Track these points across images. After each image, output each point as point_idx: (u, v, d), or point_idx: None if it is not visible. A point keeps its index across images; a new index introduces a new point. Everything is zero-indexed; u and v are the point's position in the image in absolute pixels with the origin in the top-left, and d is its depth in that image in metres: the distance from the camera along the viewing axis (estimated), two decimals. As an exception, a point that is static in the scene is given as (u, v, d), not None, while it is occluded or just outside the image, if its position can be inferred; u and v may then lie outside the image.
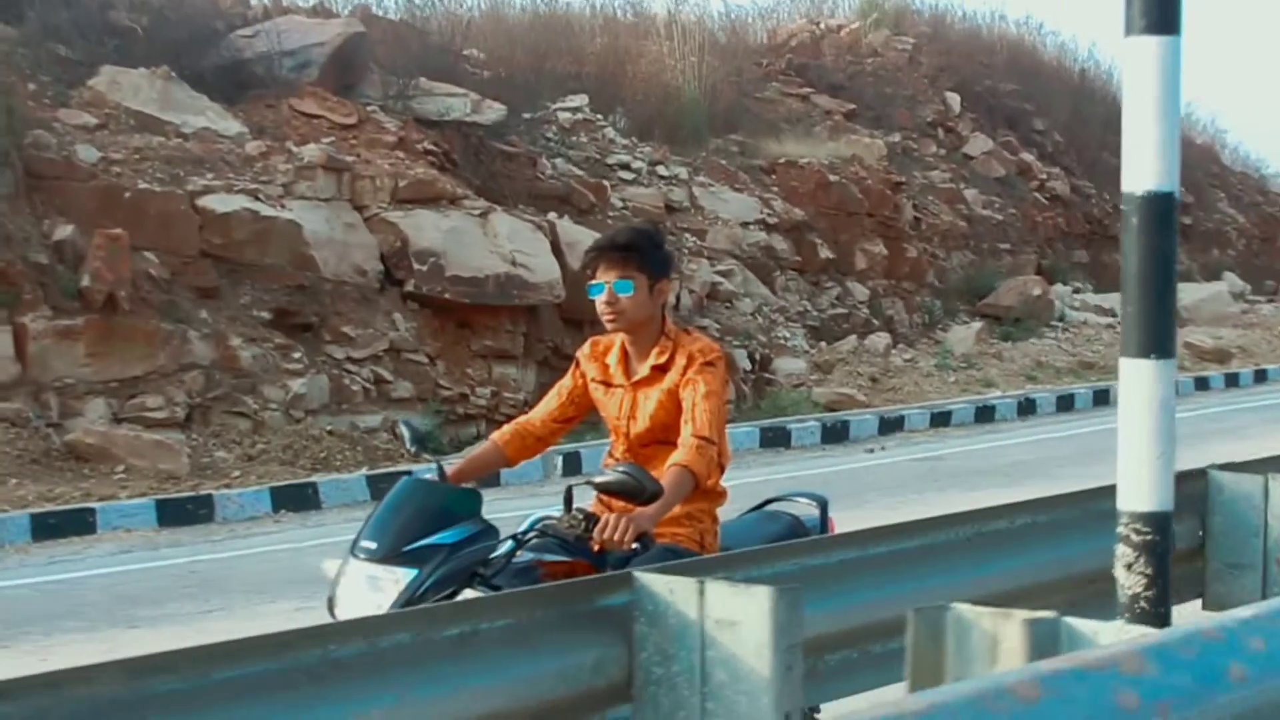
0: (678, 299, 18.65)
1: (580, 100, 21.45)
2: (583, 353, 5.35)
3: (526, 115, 19.95)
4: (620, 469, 4.72)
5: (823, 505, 5.66)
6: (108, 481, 12.64)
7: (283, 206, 15.23)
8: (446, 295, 16.01)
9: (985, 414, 17.31)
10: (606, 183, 19.79)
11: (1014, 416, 17.44)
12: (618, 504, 4.81)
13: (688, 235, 20.32)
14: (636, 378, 5.12)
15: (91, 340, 13.56)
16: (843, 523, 5.50)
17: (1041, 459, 13.81)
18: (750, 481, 12.25)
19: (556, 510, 4.88)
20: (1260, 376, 22.17)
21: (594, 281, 5.09)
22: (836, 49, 29.53)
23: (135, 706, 2.94)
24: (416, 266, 15.90)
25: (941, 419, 16.82)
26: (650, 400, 5.07)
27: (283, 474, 13.44)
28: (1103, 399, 17.93)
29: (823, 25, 30.43)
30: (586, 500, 4.94)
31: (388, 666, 3.30)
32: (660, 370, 5.06)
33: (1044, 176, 28.68)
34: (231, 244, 14.85)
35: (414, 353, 15.70)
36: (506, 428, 5.40)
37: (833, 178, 22.99)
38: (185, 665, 3.04)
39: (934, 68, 29.52)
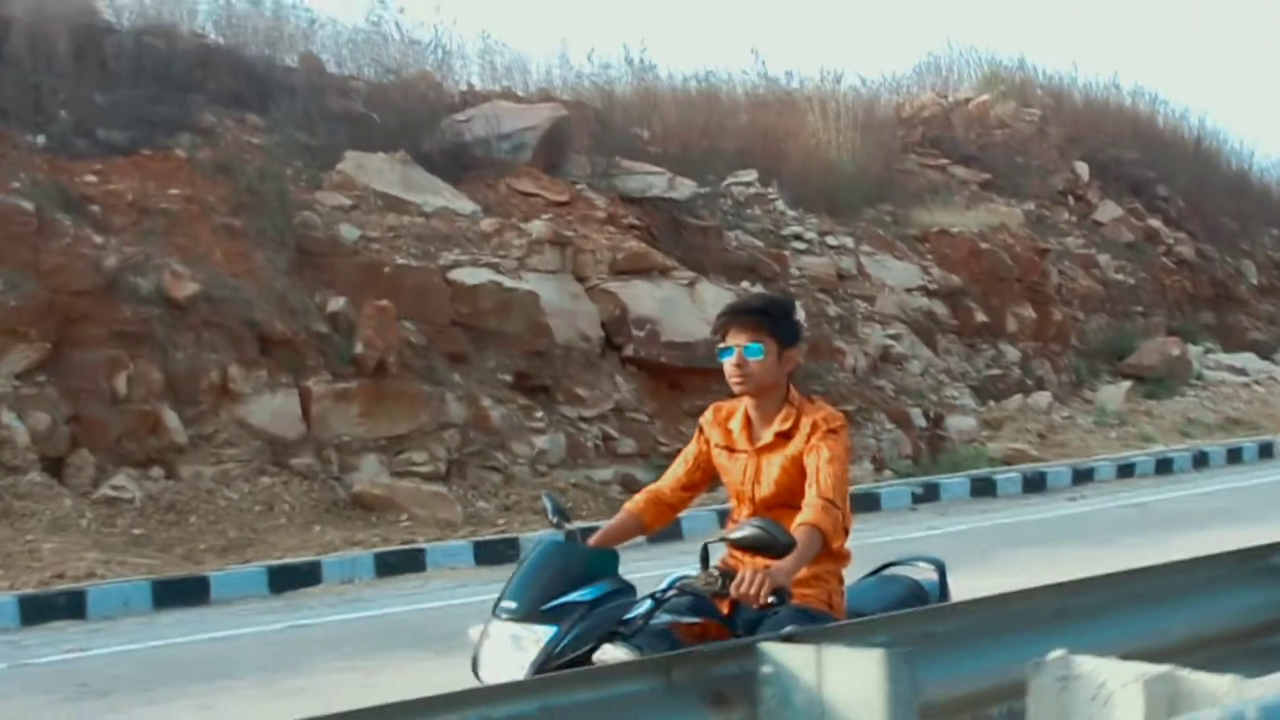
0: (854, 363, 19.92)
1: (750, 175, 22.74)
2: (705, 419, 5.41)
3: (705, 190, 21.25)
4: (754, 523, 4.75)
5: (940, 569, 5.71)
6: (397, 528, 13.95)
7: (520, 278, 16.58)
8: (662, 359, 17.32)
9: (1164, 466, 18.51)
10: (785, 252, 21.05)
11: (1189, 468, 18.62)
12: (749, 560, 4.88)
13: (859, 301, 21.56)
14: (761, 443, 5.18)
15: (364, 401, 14.93)
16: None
17: (1240, 504, 14.96)
18: (964, 529, 13.50)
19: (693, 569, 4.90)
20: None
21: (724, 346, 5.16)
22: (965, 121, 30.75)
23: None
24: (635, 333, 17.22)
25: (1126, 470, 18.04)
26: (774, 466, 5.12)
27: (539, 523, 14.68)
28: (1267, 452, 19.12)
29: (950, 98, 31.69)
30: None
31: None
32: (784, 436, 5.12)
33: (1170, 241, 29.78)
34: (477, 313, 16.20)
35: (635, 411, 16.98)
36: (640, 496, 5.48)
37: (983, 245, 24.21)
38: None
39: (1061, 138, 30.72)
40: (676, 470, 5.42)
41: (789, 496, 5.05)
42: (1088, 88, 33.84)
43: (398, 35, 21.26)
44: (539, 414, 16.09)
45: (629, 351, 17.26)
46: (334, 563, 12.26)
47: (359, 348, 15.01)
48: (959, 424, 20.42)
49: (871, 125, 27.80)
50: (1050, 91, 33.24)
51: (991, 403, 21.57)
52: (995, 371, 23.09)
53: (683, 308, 17.75)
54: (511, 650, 4.74)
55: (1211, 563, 4.85)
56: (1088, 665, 2.90)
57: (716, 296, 18.11)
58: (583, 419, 16.54)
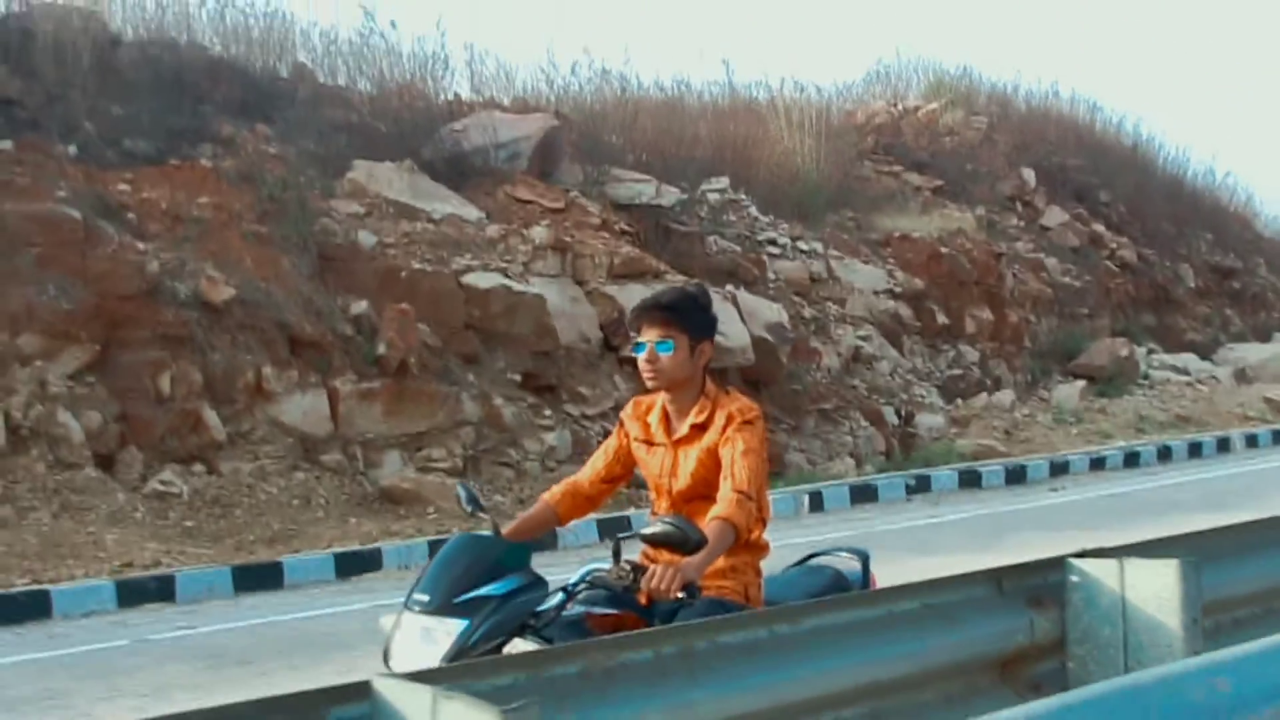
0: (829, 362, 20.87)
1: (723, 182, 23.62)
2: (625, 413, 5.47)
3: (684, 197, 22.11)
4: (665, 520, 4.78)
5: (864, 559, 5.78)
6: (425, 521, 14.74)
7: (527, 283, 17.40)
8: (657, 360, 18.15)
9: (1132, 459, 19.63)
10: (763, 257, 21.97)
11: (1155, 462, 19.76)
12: (663, 556, 4.92)
13: (830, 304, 22.51)
14: (677, 436, 5.22)
15: (387, 400, 15.70)
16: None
17: (1208, 494, 16.04)
18: (964, 516, 14.45)
19: (605, 563, 4.93)
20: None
21: (637, 341, 5.24)
22: (915, 128, 31.81)
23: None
24: (631, 335, 18.03)
25: (1098, 464, 19.16)
26: (690, 458, 5.16)
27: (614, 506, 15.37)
28: (1225, 446, 20.35)
29: (900, 106, 32.75)
30: (634, 554, 5.10)
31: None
32: (700, 429, 5.16)
33: (1114, 246, 30.95)
34: (488, 316, 17.00)
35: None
36: (557, 488, 5.53)
37: (943, 249, 25.24)
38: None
39: (1008, 145, 31.82)
40: (596, 463, 5.48)
41: (705, 488, 5.10)
42: (1029, 95, 35.04)
43: (384, 45, 21.94)
44: (547, 412, 16.91)
45: (626, 352, 18.07)
46: (391, 550, 13.05)
47: (382, 349, 15.77)
48: (929, 421, 21.41)
49: (830, 133, 28.78)
50: (995, 99, 34.35)
51: (959, 401, 22.59)
52: (956, 371, 24.10)
53: (675, 311, 18.58)
54: (423, 642, 4.75)
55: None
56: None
57: (706, 300, 18.99)
58: (585, 416, 17.36)
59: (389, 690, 2.97)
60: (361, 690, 3.01)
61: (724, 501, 4.91)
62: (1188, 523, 8.60)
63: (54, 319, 13.92)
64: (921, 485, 17.26)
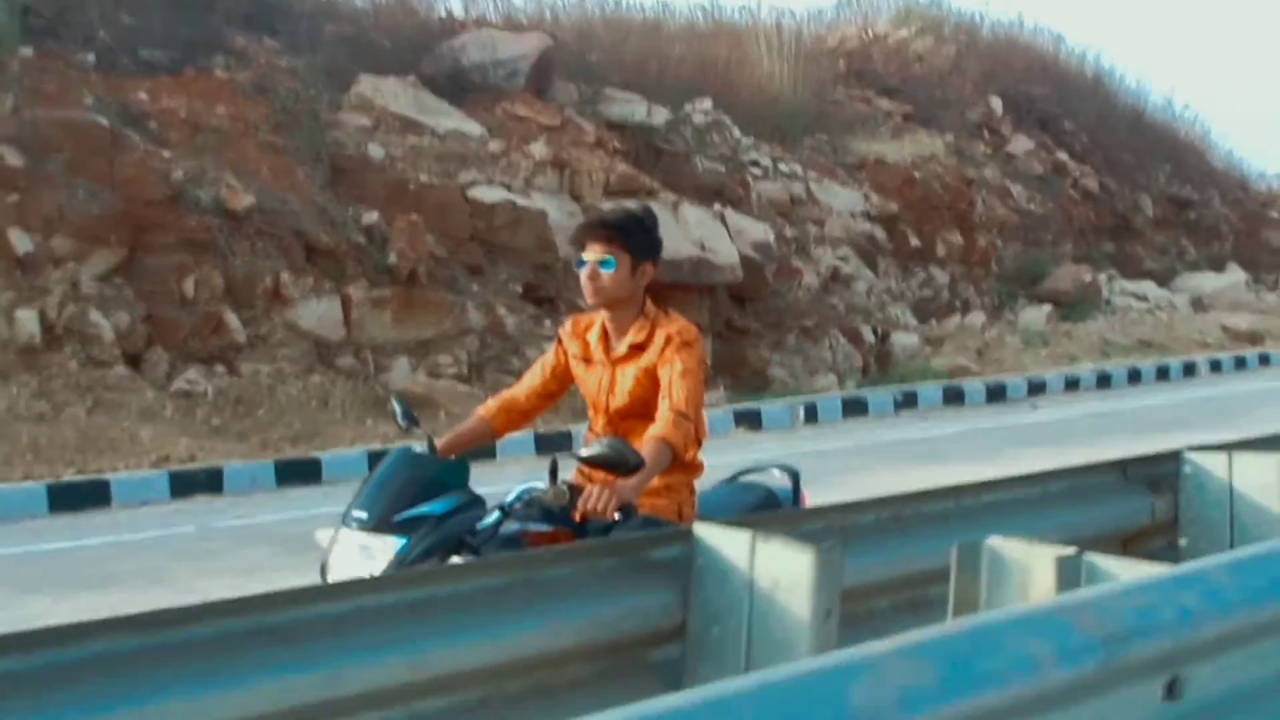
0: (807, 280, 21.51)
1: (707, 104, 24.12)
2: (564, 330, 5.44)
3: (670, 117, 22.62)
4: (603, 442, 4.79)
5: (794, 476, 5.81)
6: (438, 424, 15.25)
7: (529, 197, 17.92)
8: (651, 275, 18.74)
9: (1104, 381, 20.44)
10: (747, 177, 22.53)
11: (1125, 383, 20.57)
12: (598, 476, 4.91)
13: (809, 225, 23.11)
14: (616, 355, 5.21)
15: (397, 308, 16.22)
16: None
17: (1180, 414, 16.83)
18: (956, 430, 15.12)
19: (542, 482, 4.91)
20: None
21: (580, 257, 5.19)
22: (885, 55, 32.40)
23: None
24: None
25: (1073, 384, 19.94)
26: (628, 377, 5.16)
27: (555, 420, 16.10)
28: (1190, 371, 21.18)
29: (870, 32, 33.29)
30: (569, 473, 5.10)
31: (470, 605, 3.13)
32: (638, 348, 5.15)
33: (1077, 174, 31.68)
34: (492, 229, 17.52)
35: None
36: (492, 402, 5.53)
37: (916, 174, 25.88)
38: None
39: (976, 73, 32.44)
40: (533, 378, 5.47)
41: (642, 407, 5.12)
42: (996, 25, 35.67)
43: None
44: (547, 322, 17.47)
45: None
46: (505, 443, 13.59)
47: (392, 258, 16.28)
48: (903, 341, 22.09)
49: (805, 57, 29.31)
50: (962, 27, 34.95)
51: (932, 321, 23.30)
52: (927, 293, 24.81)
53: (668, 228, 18.82)
54: (361, 559, 4.76)
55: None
56: (1002, 546, 3.05)
57: (698, 218, 19.59)
58: (582, 328, 17.92)
59: (709, 535, 3.31)
60: (684, 535, 3.38)
61: (662, 421, 4.93)
62: (1162, 440, 9.03)
63: (84, 222, 14.35)
64: (908, 401, 17.95)
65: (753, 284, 20.06)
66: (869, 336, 21.65)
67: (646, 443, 4.84)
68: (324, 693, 2.70)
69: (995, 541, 2.99)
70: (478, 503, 4.99)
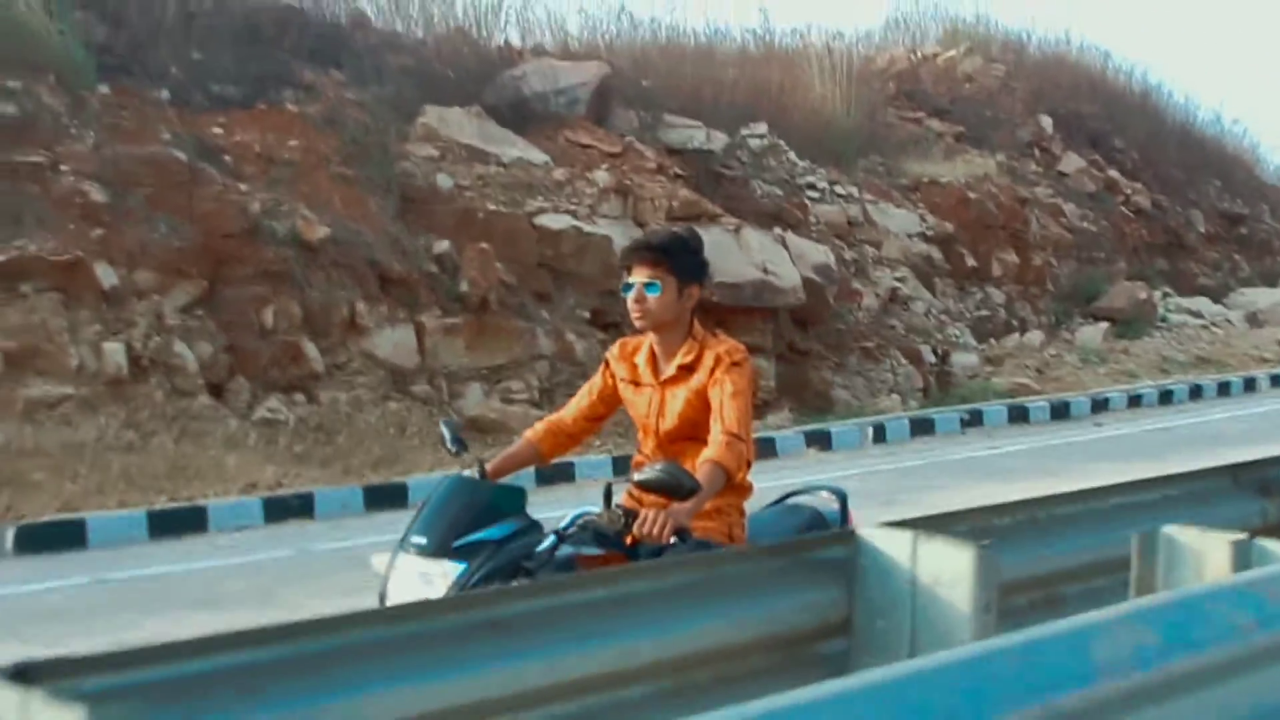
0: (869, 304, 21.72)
1: (762, 128, 24.37)
2: (611, 353, 5.52)
3: (728, 142, 22.89)
4: (659, 467, 4.80)
5: (842, 498, 5.85)
6: (513, 449, 15.56)
7: (595, 224, 18.20)
8: (714, 298, 18.94)
9: (1166, 397, 20.62)
10: (805, 201, 22.78)
11: (1187, 399, 20.74)
12: (651, 499, 4.94)
13: (867, 246, 23.35)
14: (664, 377, 5.26)
15: (469, 335, 16.52)
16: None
17: (1250, 429, 16.96)
18: (1022, 448, 15.29)
19: (596, 507, 4.95)
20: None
21: (626, 281, 5.24)
22: (934, 75, 32.61)
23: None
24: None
25: (1135, 400, 20.12)
26: (678, 399, 5.20)
27: (625, 444, 16.37)
28: (1251, 386, 21.32)
29: (919, 53, 33.52)
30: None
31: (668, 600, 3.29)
32: (687, 370, 5.20)
33: (1129, 191, 31.83)
34: (559, 256, 17.80)
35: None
36: (540, 425, 5.64)
37: (970, 194, 26.08)
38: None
39: (1025, 91, 32.63)
40: (580, 402, 5.53)
41: (692, 429, 5.17)
42: (1043, 43, 35.84)
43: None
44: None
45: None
46: (581, 463, 13.97)
47: (464, 286, 16.58)
48: (963, 360, 22.29)
49: (856, 79, 29.54)
50: (1009, 46, 35.14)
51: (991, 340, 23.48)
52: (984, 313, 24.99)
53: (730, 252, 19.38)
54: (420, 585, 4.79)
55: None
56: (1183, 534, 3.24)
57: (760, 242, 19.83)
58: (650, 353, 18.17)
59: (872, 535, 3.53)
60: (847, 536, 3.62)
61: (715, 444, 4.96)
62: (1232, 454, 9.45)
63: (166, 256, 14.68)
64: (974, 419, 18.16)
65: (815, 306, 20.26)
66: (929, 357, 21.85)
67: (700, 466, 4.88)
68: (541, 681, 2.95)
69: (1171, 530, 3.23)
70: (535, 527, 5.06)
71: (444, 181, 17.64)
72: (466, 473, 5.33)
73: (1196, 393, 21.20)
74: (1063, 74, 34.40)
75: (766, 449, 15.24)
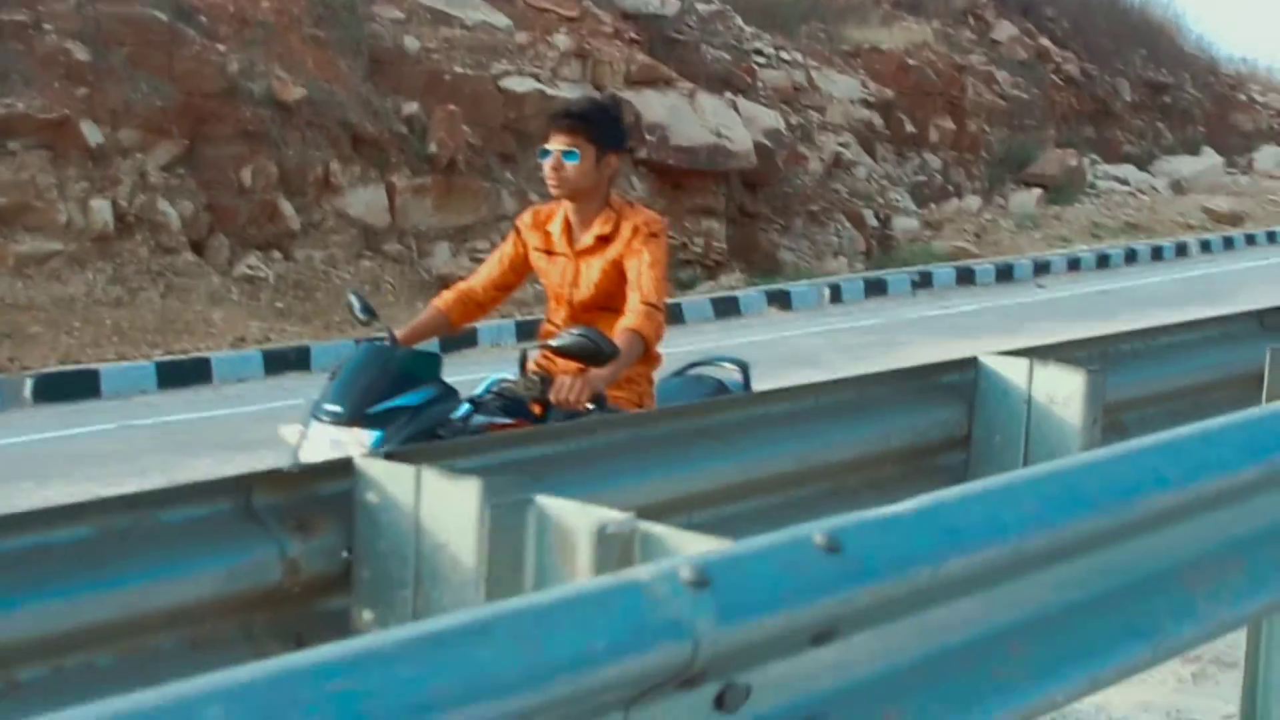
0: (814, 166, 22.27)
1: (709, -8, 24.73)
2: (523, 221, 5.40)
3: (679, 8, 23.23)
4: (577, 332, 4.76)
5: (744, 369, 5.85)
6: (485, 306, 16.06)
7: (556, 87, 18.58)
8: (670, 162, 19.47)
9: (1103, 261, 21.37)
10: (753, 66, 23.21)
11: (1123, 263, 21.51)
12: (562, 364, 4.91)
13: (812, 112, 23.84)
14: (580, 246, 5.19)
15: (437, 195, 16.96)
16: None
17: (1185, 291, 17.75)
18: (976, 308, 15.97)
19: (511, 373, 4.95)
20: (1272, 237, 26.24)
21: (543, 148, 5.16)
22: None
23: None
24: (648, 138, 19.33)
25: (1074, 264, 20.87)
26: (593, 269, 5.15)
27: (530, 310, 16.68)
28: (1182, 251, 22.16)
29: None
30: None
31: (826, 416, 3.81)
32: (604, 240, 5.14)
33: (1059, 60, 32.40)
34: (523, 118, 18.17)
35: (648, 208, 19.15)
36: (448, 293, 5.51)
37: (910, 61, 26.58)
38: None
39: (960, -42, 33.02)
40: (491, 270, 5.42)
41: (607, 299, 5.13)
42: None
43: None
44: (576, 209, 18.20)
45: (642, 155, 19.36)
46: (484, 329, 14.41)
47: (432, 147, 16.97)
48: (904, 224, 22.93)
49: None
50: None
51: (931, 205, 24.12)
52: (922, 178, 25.61)
53: (685, 116, 19.87)
54: (333, 453, 4.54)
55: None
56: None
57: (713, 106, 20.29)
58: (609, 214, 18.65)
59: (991, 361, 4.04)
60: (970, 362, 4.11)
61: (634, 313, 4.95)
62: (1173, 314, 10.09)
63: (148, 114, 14.97)
64: (924, 281, 18.82)
65: (764, 170, 20.78)
66: (871, 220, 22.46)
67: (619, 334, 4.87)
68: (735, 478, 3.52)
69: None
70: (451, 394, 5.00)
71: (411, 44, 17.94)
72: (377, 340, 5.21)
73: (1131, 257, 22.00)
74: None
75: (729, 308, 15.85)
